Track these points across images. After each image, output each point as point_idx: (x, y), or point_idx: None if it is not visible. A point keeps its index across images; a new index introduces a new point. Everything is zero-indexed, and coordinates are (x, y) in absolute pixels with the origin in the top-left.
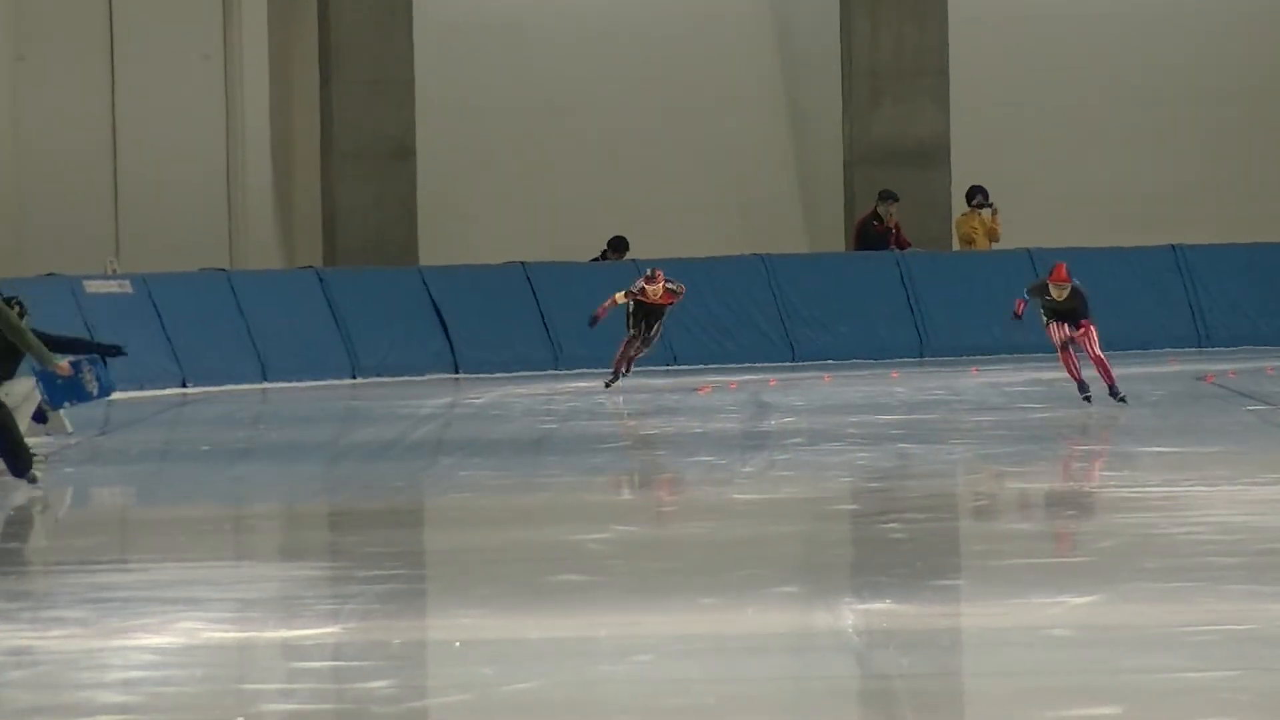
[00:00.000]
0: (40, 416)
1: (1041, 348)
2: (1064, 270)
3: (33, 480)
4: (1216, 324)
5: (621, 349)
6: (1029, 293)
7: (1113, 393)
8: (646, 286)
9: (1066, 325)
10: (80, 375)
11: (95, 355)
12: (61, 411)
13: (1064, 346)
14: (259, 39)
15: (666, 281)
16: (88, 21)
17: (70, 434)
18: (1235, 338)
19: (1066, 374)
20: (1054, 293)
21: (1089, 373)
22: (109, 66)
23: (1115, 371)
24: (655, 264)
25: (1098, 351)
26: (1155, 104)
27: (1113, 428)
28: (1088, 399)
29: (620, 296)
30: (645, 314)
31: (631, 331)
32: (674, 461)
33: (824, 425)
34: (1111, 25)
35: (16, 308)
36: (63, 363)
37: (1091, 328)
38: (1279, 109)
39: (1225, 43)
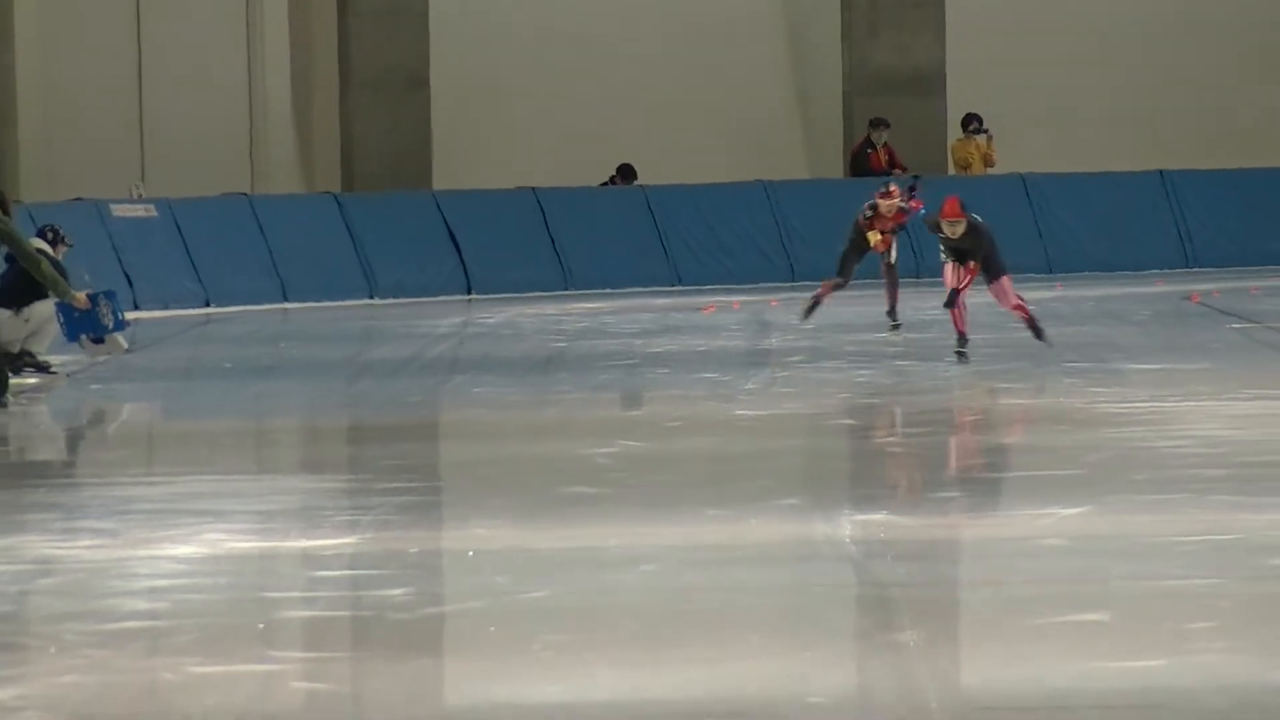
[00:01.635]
0: (119, 328)
1: (1030, 268)
2: (955, 205)
3: (4, 405)
4: (1202, 246)
5: (822, 290)
6: (927, 228)
7: (1035, 330)
8: (880, 201)
9: (962, 269)
10: (97, 309)
11: (111, 289)
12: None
13: (951, 302)
14: None
15: (901, 198)
16: None
17: (128, 350)
18: (1220, 259)
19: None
20: (946, 229)
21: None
22: (135, 4)
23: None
24: (667, 191)
25: (1013, 302)
26: (1145, 35)
27: (1101, 345)
28: (961, 355)
29: (875, 237)
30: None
31: (839, 279)
32: (679, 379)
33: (823, 344)
34: None
35: (50, 235)
36: (80, 295)
37: (1000, 280)
38: (1263, 41)
39: None
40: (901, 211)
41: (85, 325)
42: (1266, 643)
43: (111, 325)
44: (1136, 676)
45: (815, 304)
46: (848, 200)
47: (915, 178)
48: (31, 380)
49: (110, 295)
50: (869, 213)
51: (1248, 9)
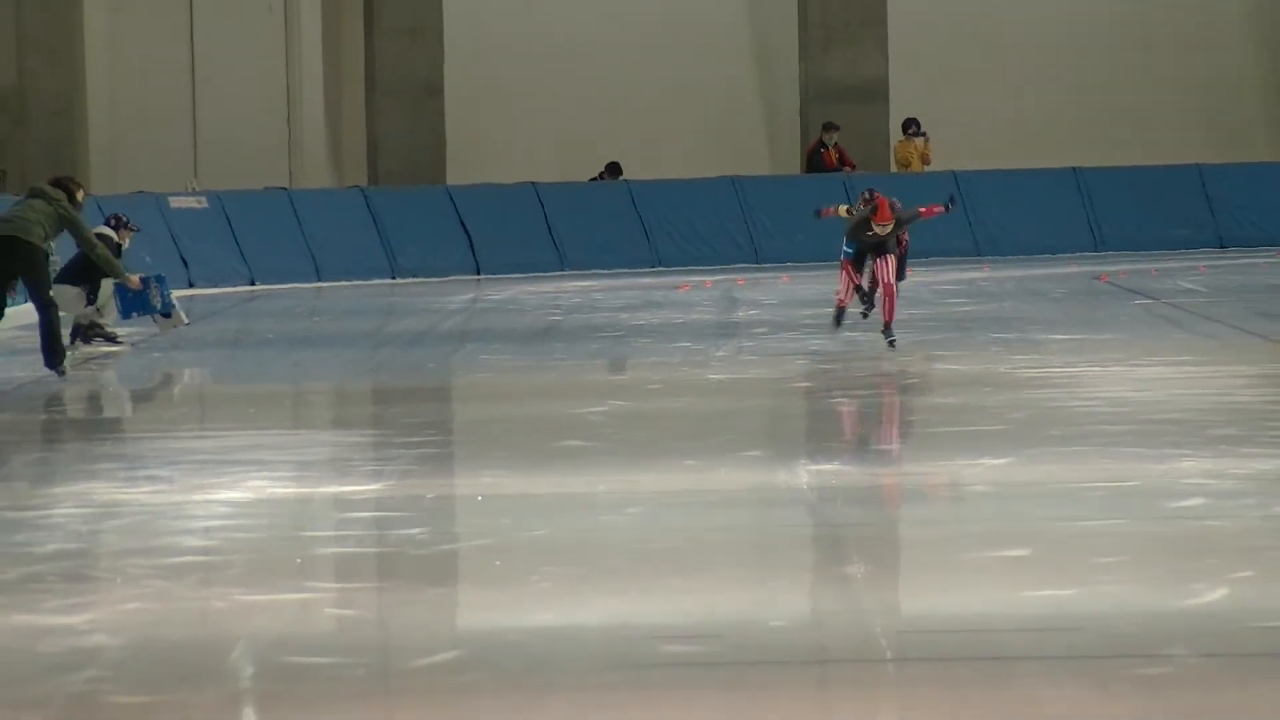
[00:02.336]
0: (166, 310)
1: (962, 252)
2: (887, 206)
3: (61, 373)
4: (1109, 233)
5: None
6: (850, 233)
7: (885, 330)
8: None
9: (864, 261)
10: (148, 290)
11: (161, 273)
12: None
13: (839, 319)
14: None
15: (892, 201)
16: None
17: (188, 324)
18: (1125, 244)
19: (840, 296)
20: (877, 229)
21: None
22: (189, 17)
23: (1001, 275)
24: (649, 186)
25: (890, 279)
26: (1061, 50)
27: (1022, 319)
28: (837, 321)
29: (842, 209)
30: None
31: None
32: (659, 347)
33: (784, 317)
34: None
35: (114, 222)
36: (133, 278)
37: (891, 257)
38: (1162, 54)
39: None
40: (892, 210)
41: (137, 305)
42: (1164, 574)
43: (160, 306)
44: (1053, 603)
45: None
46: (805, 194)
47: (953, 196)
48: (102, 349)
49: (160, 279)
50: (871, 209)
51: (1149, 29)
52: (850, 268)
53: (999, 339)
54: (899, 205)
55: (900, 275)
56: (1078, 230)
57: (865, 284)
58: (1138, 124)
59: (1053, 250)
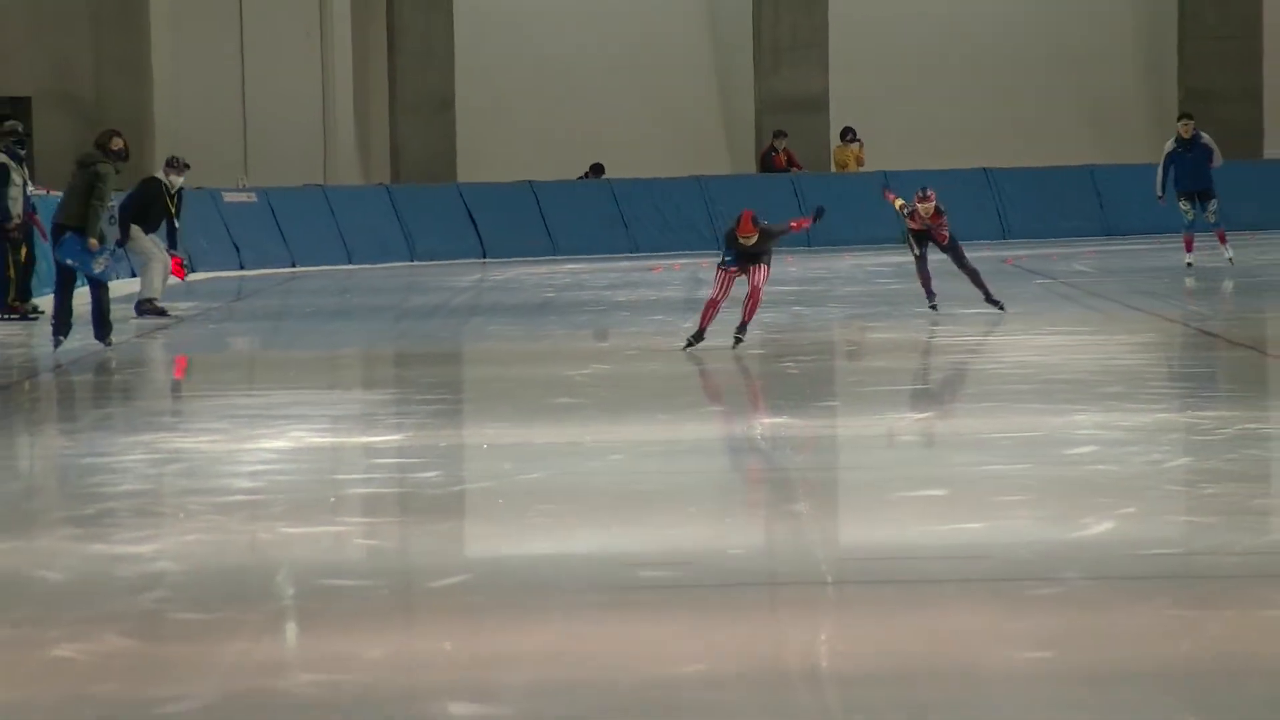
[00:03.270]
0: (104, 278)
1: (890, 239)
2: (749, 220)
3: (108, 344)
4: (1015, 223)
5: (918, 271)
6: (727, 240)
7: (739, 328)
8: (919, 205)
9: (735, 274)
10: (99, 254)
11: (120, 251)
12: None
13: (705, 324)
14: (344, 21)
15: (938, 203)
16: (224, 7)
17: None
18: (1028, 233)
19: (701, 315)
20: (742, 241)
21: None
22: (239, 42)
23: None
24: (628, 184)
25: (758, 284)
26: (975, 68)
27: (942, 295)
28: (691, 345)
29: (898, 202)
30: (919, 236)
31: (917, 252)
32: (636, 319)
33: (740, 294)
34: (943, 13)
35: (176, 162)
36: (93, 240)
37: (764, 266)
38: (1060, 73)
39: (1024, 24)
40: (938, 213)
41: (76, 255)
42: (1059, 510)
43: (98, 273)
44: (966, 535)
45: (924, 283)
46: (760, 189)
47: (820, 209)
48: (159, 320)
49: (116, 255)
50: (907, 210)
51: (1049, 51)
52: (723, 274)
53: (922, 312)
54: (766, 222)
55: (963, 265)
56: (988, 221)
57: (720, 303)
58: (1039, 131)
59: (967, 238)
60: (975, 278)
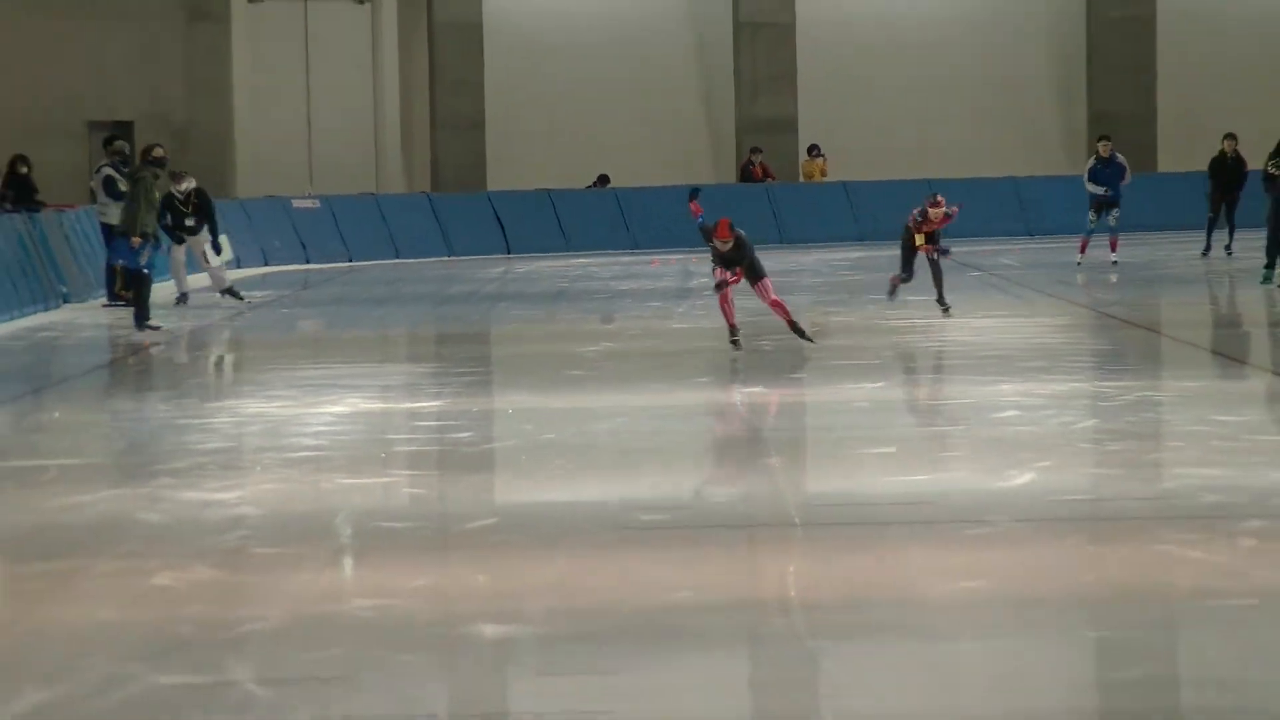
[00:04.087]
0: (149, 266)
1: (849, 237)
2: (726, 227)
3: (149, 329)
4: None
5: (893, 285)
6: (704, 238)
7: (796, 330)
8: (930, 210)
9: (728, 272)
10: (142, 249)
11: (159, 242)
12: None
13: (721, 286)
14: (393, 56)
15: (947, 207)
16: (292, 45)
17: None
18: (963, 233)
19: (721, 315)
20: (719, 245)
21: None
22: (305, 74)
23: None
24: (629, 191)
25: (772, 298)
26: (921, 94)
27: (886, 287)
28: (735, 343)
29: (919, 237)
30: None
31: (903, 274)
32: (637, 305)
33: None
34: (897, 42)
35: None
36: (134, 239)
37: (763, 281)
38: (990, 97)
39: (961, 57)
40: (946, 216)
41: (124, 254)
42: (989, 464)
43: (143, 265)
44: (913, 485)
45: (893, 289)
46: (739, 196)
47: (696, 188)
48: (235, 301)
49: (155, 247)
50: (919, 217)
51: (981, 80)
52: (718, 270)
53: (875, 298)
54: (743, 237)
55: (756, 280)
56: None
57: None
58: (972, 147)
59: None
60: (939, 278)
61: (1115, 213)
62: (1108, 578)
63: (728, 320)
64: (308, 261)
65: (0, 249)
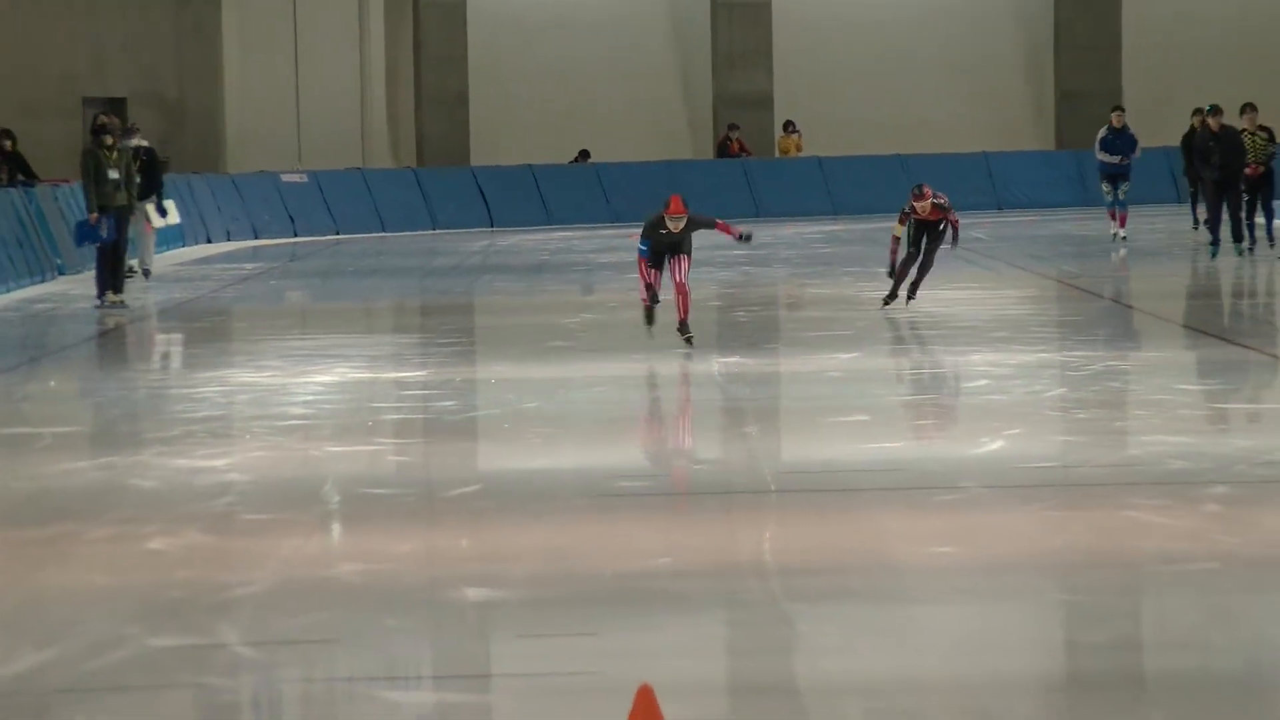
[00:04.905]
0: (111, 238)
1: (822, 211)
2: (681, 204)
3: (101, 304)
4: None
5: (899, 268)
6: (646, 231)
7: (683, 328)
8: (915, 203)
9: (664, 262)
10: (99, 225)
11: (112, 218)
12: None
13: (651, 307)
14: (379, 33)
15: (934, 197)
16: (281, 24)
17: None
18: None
19: (643, 292)
20: (670, 225)
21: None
22: (294, 53)
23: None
24: (609, 166)
25: (682, 279)
26: (894, 73)
27: (865, 257)
28: (689, 339)
29: (898, 228)
30: (920, 231)
31: (910, 249)
32: (617, 278)
33: (701, 257)
34: (871, 20)
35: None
36: (93, 215)
37: (685, 258)
38: (961, 78)
39: (932, 36)
40: (937, 209)
41: (88, 235)
42: (959, 431)
43: (105, 235)
44: (885, 452)
45: (898, 283)
46: (716, 172)
47: (749, 236)
48: (230, 276)
49: (110, 217)
50: (908, 211)
51: (953, 62)
52: (645, 266)
53: (849, 271)
54: (696, 214)
55: (929, 259)
56: (901, 197)
57: (658, 286)
58: (944, 124)
59: (886, 210)
60: (925, 273)
61: (1125, 186)
62: (1075, 542)
63: (650, 293)
64: (296, 235)
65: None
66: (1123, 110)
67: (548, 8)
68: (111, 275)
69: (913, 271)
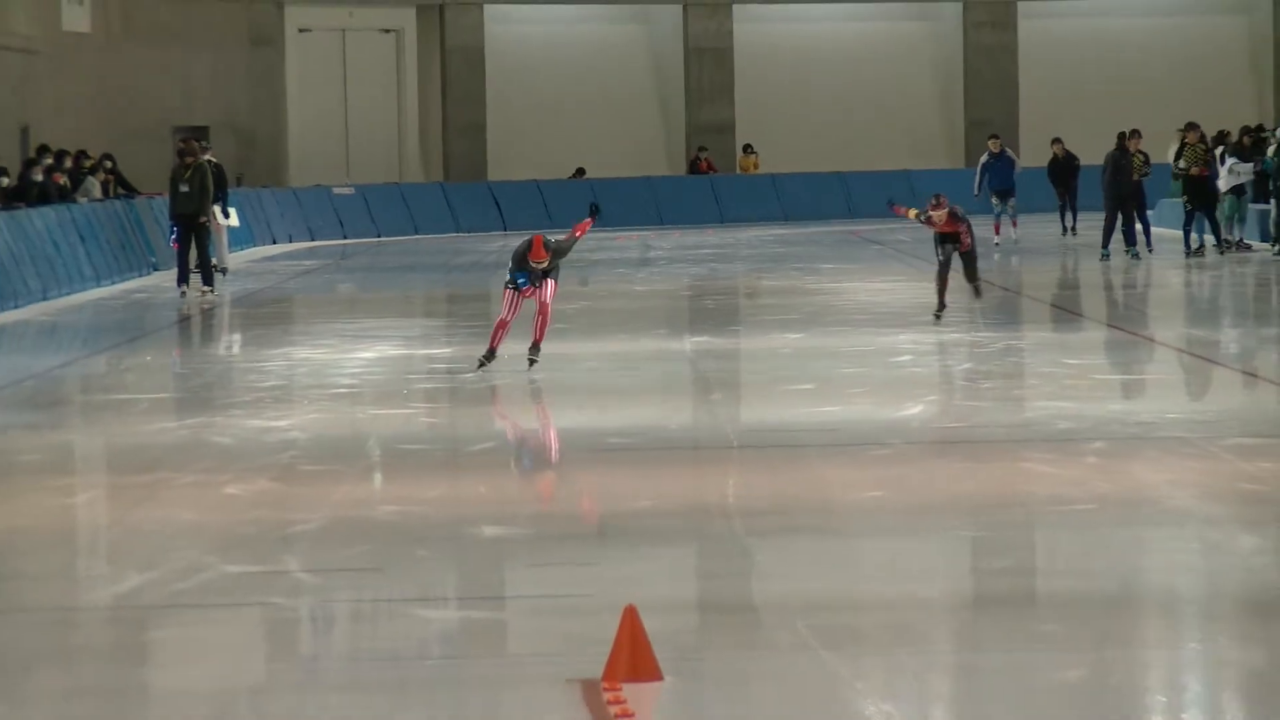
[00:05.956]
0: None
1: (773, 217)
2: (540, 245)
3: (183, 294)
4: (857, 207)
5: (937, 279)
6: (515, 263)
7: (533, 348)
8: (932, 213)
9: (526, 293)
10: (172, 231)
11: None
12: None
13: (506, 322)
14: (413, 73)
15: (950, 207)
16: (333, 65)
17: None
18: (866, 214)
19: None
20: (534, 265)
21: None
22: (343, 88)
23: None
24: (601, 181)
25: (546, 299)
26: (832, 103)
27: (810, 255)
28: (484, 363)
29: (912, 213)
30: (941, 240)
31: (940, 258)
32: (607, 271)
33: (675, 255)
34: (814, 63)
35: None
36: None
37: (551, 281)
38: (886, 111)
39: (864, 72)
40: (953, 219)
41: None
42: (887, 398)
43: (170, 240)
44: (826, 415)
45: (941, 291)
46: (688, 186)
47: (594, 205)
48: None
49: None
50: (922, 218)
51: (880, 95)
52: (509, 295)
53: (798, 266)
54: (553, 241)
55: (972, 275)
56: (839, 206)
57: (505, 333)
58: (874, 146)
59: (828, 216)
60: (977, 288)
61: (1012, 201)
62: (980, 488)
63: (493, 343)
64: (345, 237)
65: (104, 228)
66: (997, 138)
67: (551, 53)
68: (202, 269)
69: (953, 277)
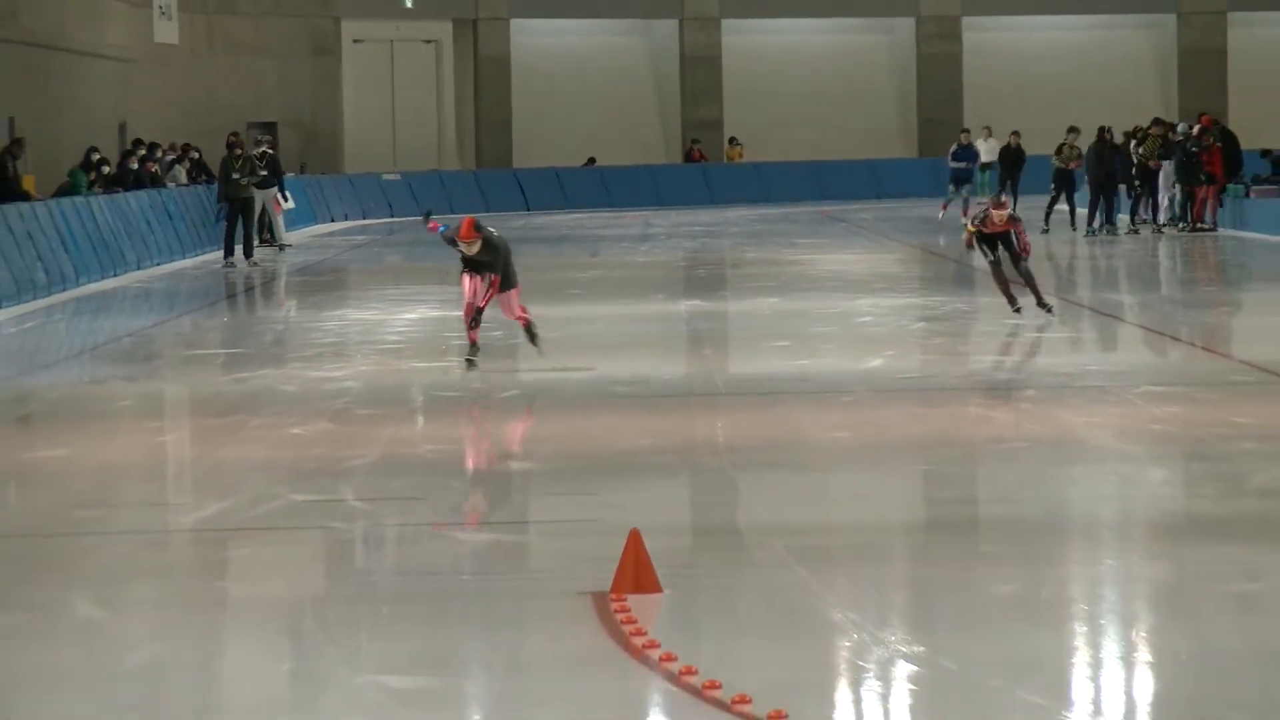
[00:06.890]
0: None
1: (752, 200)
2: (470, 226)
3: (230, 266)
4: (829, 190)
5: (995, 279)
6: (448, 243)
7: (530, 334)
8: (993, 211)
9: (479, 279)
10: (220, 211)
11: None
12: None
13: (472, 304)
14: (450, 78)
15: (1010, 209)
16: (381, 71)
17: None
18: (837, 196)
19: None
20: (463, 248)
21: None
22: (391, 88)
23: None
24: (610, 169)
25: (516, 313)
26: (809, 101)
27: (787, 232)
28: (471, 362)
29: (970, 227)
30: (990, 240)
31: (991, 258)
32: (613, 245)
33: (672, 232)
34: (791, 68)
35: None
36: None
37: (510, 292)
38: (854, 105)
39: (833, 76)
40: (1012, 221)
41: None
42: (852, 351)
43: (217, 218)
44: (799, 367)
45: (1003, 289)
46: (683, 174)
47: (428, 211)
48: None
49: (227, 207)
50: (979, 218)
51: (850, 95)
52: (465, 280)
53: (775, 240)
54: (486, 230)
55: (1019, 267)
56: (813, 191)
57: (478, 301)
58: (841, 138)
59: (804, 198)
60: (1030, 281)
61: (968, 187)
62: (932, 430)
63: (471, 337)
64: (392, 217)
65: (188, 209)
66: (968, 131)
67: (567, 61)
68: (246, 244)
69: (1011, 274)
